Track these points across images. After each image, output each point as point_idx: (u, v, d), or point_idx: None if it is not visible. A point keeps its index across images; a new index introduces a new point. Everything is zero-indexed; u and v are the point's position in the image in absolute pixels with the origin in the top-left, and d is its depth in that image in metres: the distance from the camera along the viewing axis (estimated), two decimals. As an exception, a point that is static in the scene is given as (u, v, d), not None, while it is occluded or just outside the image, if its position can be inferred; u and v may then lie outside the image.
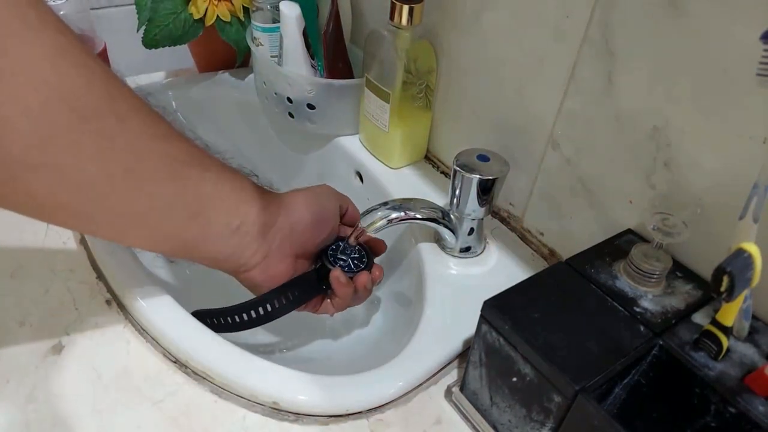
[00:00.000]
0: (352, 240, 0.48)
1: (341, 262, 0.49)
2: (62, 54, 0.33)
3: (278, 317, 0.47)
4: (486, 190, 0.48)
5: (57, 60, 0.32)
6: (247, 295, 0.47)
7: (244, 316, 0.46)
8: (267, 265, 0.45)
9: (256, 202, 0.43)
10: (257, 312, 0.46)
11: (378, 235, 0.50)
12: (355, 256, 0.50)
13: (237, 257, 0.43)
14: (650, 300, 0.38)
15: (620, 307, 0.38)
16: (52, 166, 0.33)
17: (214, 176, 0.41)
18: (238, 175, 0.44)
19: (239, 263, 0.44)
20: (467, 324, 0.44)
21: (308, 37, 0.63)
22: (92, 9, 0.69)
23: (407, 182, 0.63)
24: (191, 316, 0.45)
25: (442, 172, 0.65)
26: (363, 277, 0.48)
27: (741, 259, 0.29)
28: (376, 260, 0.52)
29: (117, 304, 0.47)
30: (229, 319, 0.46)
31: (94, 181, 0.35)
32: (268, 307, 0.46)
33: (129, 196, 0.37)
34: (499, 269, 0.53)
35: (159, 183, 0.38)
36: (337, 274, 0.47)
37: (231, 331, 0.46)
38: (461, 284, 0.51)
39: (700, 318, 0.37)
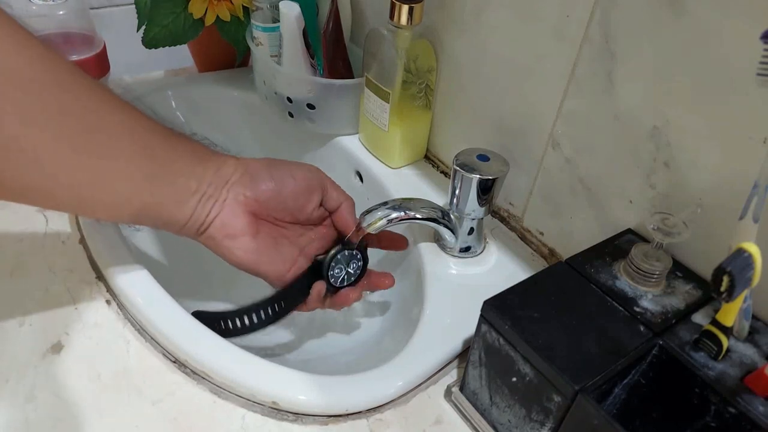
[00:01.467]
0: (352, 238, 0.48)
1: (336, 271, 0.48)
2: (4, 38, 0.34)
3: (274, 323, 0.46)
4: (486, 189, 0.48)
5: None
6: (248, 298, 0.47)
7: (238, 321, 0.46)
8: (222, 220, 0.44)
9: (212, 162, 0.45)
10: (251, 318, 0.46)
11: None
12: (351, 268, 0.49)
13: (195, 219, 0.44)
14: (650, 300, 0.38)
15: (620, 307, 0.38)
16: None
17: (172, 143, 0.43)
18: (196, 143, 0.45)
19: (197, 224, 0.44)
20: (467, 324, 0.44)
21: (308, 36, 0.63)
22: (92, 9, 0.69)
23: (407, 182, 0.63)
24: (191, 315, 0.44)
25: (442, 172, 0.65)
26: (342, 297, 0.49)
27: (741, 259, 0.29)
28: (386, 268, 0.51)
29: (116, 303, 0.47)
30: (222, 323, 0.46)
31: (47, 151, 0.36)
32: (262, 314, 0.46)
33: (83, 163, 0.38)
34: (498, 269, 0.53)
35: (114, 150, 0.39)
36: (319, 289, 0.48)
37: (226, 336, 0.46)
38: (461, 284, 0.51)
39: (700, 318, 0.37)
